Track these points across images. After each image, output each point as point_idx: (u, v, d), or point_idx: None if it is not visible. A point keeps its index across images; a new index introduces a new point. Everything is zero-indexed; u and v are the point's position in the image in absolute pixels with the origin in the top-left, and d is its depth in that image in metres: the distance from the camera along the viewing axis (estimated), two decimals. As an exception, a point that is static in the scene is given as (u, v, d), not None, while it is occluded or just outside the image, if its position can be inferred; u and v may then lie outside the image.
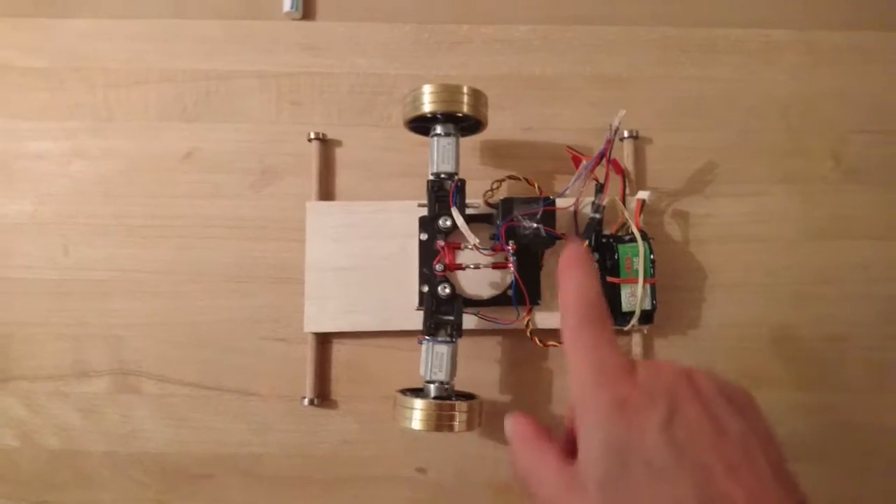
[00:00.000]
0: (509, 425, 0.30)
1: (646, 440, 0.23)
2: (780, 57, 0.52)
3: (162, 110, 0.50)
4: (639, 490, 0.23)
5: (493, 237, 0.45)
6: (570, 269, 0.30)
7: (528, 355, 0.48)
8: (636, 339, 0.47)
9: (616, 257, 0.44)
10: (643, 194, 0.45)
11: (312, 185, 0.48)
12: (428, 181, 0.44)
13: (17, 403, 0.48)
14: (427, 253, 0.45)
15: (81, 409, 0.47)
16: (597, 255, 0.45)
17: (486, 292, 0.47)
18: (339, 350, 0.48)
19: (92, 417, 0.47)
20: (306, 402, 0.46)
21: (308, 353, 0.47)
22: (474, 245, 0.42)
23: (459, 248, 0.44)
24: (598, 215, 0.44)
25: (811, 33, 0.52)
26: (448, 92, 0.42)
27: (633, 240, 0.44)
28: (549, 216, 0.43)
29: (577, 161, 0.47)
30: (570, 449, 0.26)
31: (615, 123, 0.42)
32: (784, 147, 0.51)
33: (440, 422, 0.39)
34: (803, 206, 0.50)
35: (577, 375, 0.26)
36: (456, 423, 0.40)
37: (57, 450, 0.47)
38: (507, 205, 0.44)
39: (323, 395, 0.47)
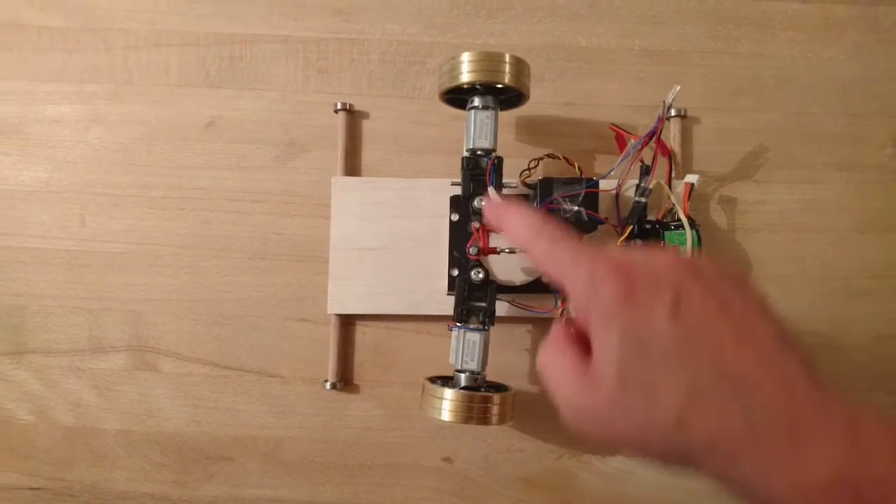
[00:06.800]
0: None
1: (657, 328, 0.24)
2: (841, 34, 0.48)
3: (183, 75, 0.48)
4: (657, 376, 0.23)
5: (531, 220, 0.42)
6: (505, 211, 0.31)
7: (561, 344, 0.45)
8: (677, 332, 0.44)
9: (661, 245, 0.41)
10: (691, 178, 0.43)
11: (338, 158, 0.46)
12: (463, 158, 0.41)
13: (31, 378, 0.46)
14: (458, 234, 0.43)
15: (97, 386, 0.46)
16: (640, 242, 0.42)
17: (518, 278, 0.44)
18: (363, 333, 0.46)
19: (107, 395, 0.46)
20: (328, 385, 0.44)
21: (331, 335, 0.45)
22: (512, 228, 0.39)
23: (494, 231, 0.42)
24: (643, 199, 0.42)
25: (875, 9, 0.48)
26: (489, 60, 0.39)
27: (681, 227, 0.41)
28: (591, 199, 0.41)
29: (620, 140, 0.44)
30: (586, 349, 0.26)
31: (668, 100, 0.39)
32: (841, 132, 0.47)
33: (471, 414, 0.37)
34: (859, 196, 0.47)
35: (575, 285, 0.26)
36: (487, 416, 0.38)
37: (71, 426, 0.46)
38: (547, 186, 0.41)
39: (346, 380, 0.45)
